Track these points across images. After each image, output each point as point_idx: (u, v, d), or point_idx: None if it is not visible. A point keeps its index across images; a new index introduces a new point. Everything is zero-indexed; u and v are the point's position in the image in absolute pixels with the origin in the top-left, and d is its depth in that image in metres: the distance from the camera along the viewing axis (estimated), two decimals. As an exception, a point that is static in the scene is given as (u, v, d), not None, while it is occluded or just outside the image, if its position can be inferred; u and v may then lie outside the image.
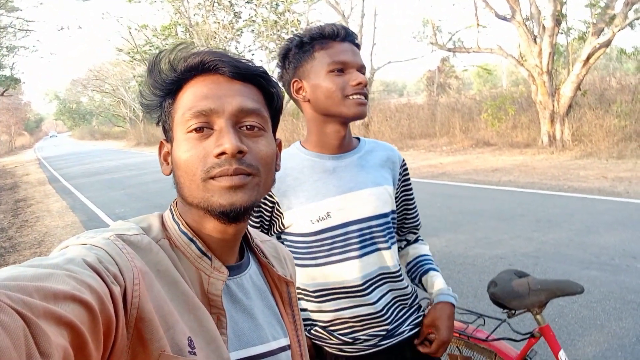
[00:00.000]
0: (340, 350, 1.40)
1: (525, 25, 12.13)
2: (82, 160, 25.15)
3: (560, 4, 11.71)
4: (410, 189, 1.52)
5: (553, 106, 12.01)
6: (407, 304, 1.45)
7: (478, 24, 13.48)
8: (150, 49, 26.08)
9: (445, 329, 1.41)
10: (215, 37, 22.10)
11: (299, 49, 1.34)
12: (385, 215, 1.38)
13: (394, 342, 1.41)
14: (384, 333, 1.39)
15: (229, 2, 22.28)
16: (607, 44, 11.30)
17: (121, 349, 0.58)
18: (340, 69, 1.30)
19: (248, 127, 0.75)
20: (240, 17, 23.26)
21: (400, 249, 1.59)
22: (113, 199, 11.01)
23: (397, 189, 1.46)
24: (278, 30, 21.94)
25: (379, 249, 1.37)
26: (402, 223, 1.55)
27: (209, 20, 22.31)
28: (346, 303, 1.36)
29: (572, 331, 3.22)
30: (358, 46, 1.36)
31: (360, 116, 1.31)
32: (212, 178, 0.71)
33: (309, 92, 1.33)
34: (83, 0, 28.87)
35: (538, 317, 1.66)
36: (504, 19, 12.46)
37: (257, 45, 24.01)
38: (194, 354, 0.65)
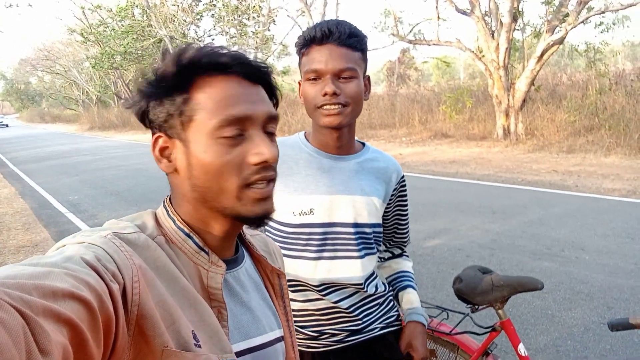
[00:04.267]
0: (307, 346, 1.41)
1: (484, 20, 12.41)
2: (32, 144, 24.15)
3: (517, 1, 12.03)
4: (405, 206, 1.51)
5: (508, 100, 12.38)
6: (378, 303, 1.46)
7: (438, 17, 13.70)
8: (105, 30, 25.21)
9: (422, 347, 1.46)
10: (174, 21, 21.56)
11: (298, 50, 1.35)
12: (366, 225, 1.37)
13: (363, 338, 1.42)
14: (353, 329, 1.40)
15: (189, -16, 21.77)
16: (561, 41, 11.71)
17: (123, 346, 0.59)
18: (314, 77, 1.28)
19: (269, 132, 0.76)
20: (201, 1, 22.78)
21: (383, 259, 1.60)
22: (66, 185, 10.64)
23: (390, 204, 1.46)
24: (239, 16, 21.61)
25: (350, 257, 1.36)
26: (391, 237, 1.56)
27: (167, 2, 21.71)
28: (312, 295, 1.38)
29: (525, 321, 3.37)
30: (350, 44, 1.27)
31: (330, 126, 1.30)
32: (248, 186, 0.73)
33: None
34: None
35: (500, 311, 1.73)
36: (464, 13, 12.70)
37: (217, 30, 23.60)
38: (199, 346, 0.67)
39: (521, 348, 1.71)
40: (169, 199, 0.80)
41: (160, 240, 0.74)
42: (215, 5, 22.07)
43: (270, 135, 0.77)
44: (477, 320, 1.86)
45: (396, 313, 1.50)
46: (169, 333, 0.65)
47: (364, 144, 1.46)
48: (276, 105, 0.82)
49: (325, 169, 1.36)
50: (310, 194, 1.34)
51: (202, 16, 23.07)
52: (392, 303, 1.50)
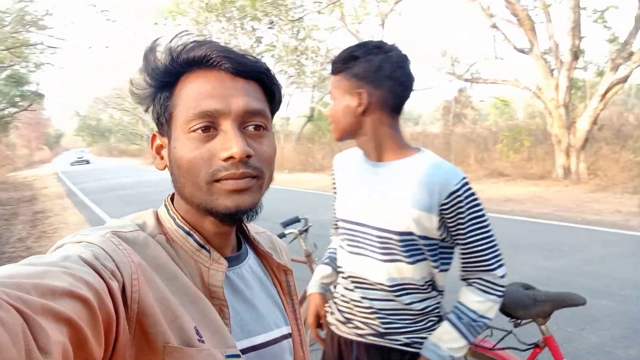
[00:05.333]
0: (337, 328, 1.53)
1: (543, 58, 12.26)
2: (100, 176, 25.52)
3: (578, 39, 11.85)
4: (465, 228, 1.36)
5: (569, 139, 12.04)
6: (412, 319, 1.43)
7: (496, 56, 13.66)
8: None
9: None
10: (236, 61, 22.59)
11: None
12: (392, 232, 1.39)
13: (383, 344, 1.45)
14: (375, 330, 1.45)
15: (252, 27, 22.85)
16: (625, 79, 11.37)
17: (124, 344, 0.59)
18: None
19: (253, 127, 0.73)
20: (262, 42, 23.81)
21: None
22: (129, 214, 11.15)
23: (448, 221, 1.37)
24: (298, 56, 22.39)
25: (373, 258, 1.42)
26: (461, 258, 1.44)
27: (230, 43, 22.83)
28: (349, 284, 1.50)
29: (580, 356, 3.25)
30: (339, 71, 1.43)
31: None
32: (217, 181, 0.70)
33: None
34: (113, 21, 29.67)
35: (542, 327, 1.73)
36: (522, 51, 12.61)
37: (277, 69, 24.47)
38: (202, 342, 0.66)
39: (564, 365, 1.70)
40: (171, 197, 0.80)
41: (161, 239, 0.73)
42: (275, 47, 22.99)
43: (256, 131, 0.73)
44: (521, 338, 1.85)
45: (429, 335, 1.43)
46: (171, 329, 0.64)
47: (420, 150, 1.44)
48: (277, 102, 0.80)
49: (363, 173, 1.47)
50: (348, 194, 1.50)
51: (262, 56, 24.03)
52: (431, 324, 1.45)
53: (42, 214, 12.40)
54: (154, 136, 0.79)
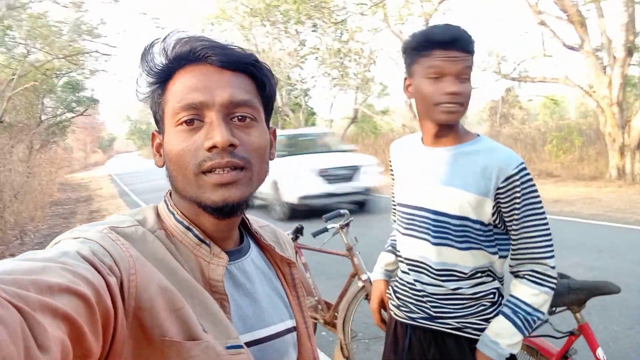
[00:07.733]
0: (394, 313, 1.59)
1: (595, 55, 11.87)
2: (149, 177, 26.32)
3: (632, 34, 11.40)
4: (520, 213, 1.36)
5: (623, 139, 11.60)
6: (463, 303, 1.43)
7: (545, 54, 13.31)
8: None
9: None
10: (280, 64, 22.93)
11: (413, 50, 1.41)
12: (448, 215, 1.40)
13: (435, 327, 1.46)
14: (426, 313, 1.47)
15: (295, 30, 23.12)
16: (682, 76, 10.88)
17: (122, 339, 0.59)
18: (436, 76, 1.35)
19: (239, 117, 0.73)
20: (305, 45, 24.05)
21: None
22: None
23: (502, 205, 1.38)
24: (341, 58, 22.48)
25: (426, 240, 1.44)
26: (513, 246, 1.43)
27: (275, 47, 23.20)
28: (405, 267, 1.54)
29: (626, 355, 3.19)
30: (470, 51, 1.37)
31: (448, 122, 1.39)
32: (204, 172, 0.70)
33: (414, 91, 1.43)
34: (162, 28, 30.72)
35: (577, 315, 1.75)
36: (572, 48, 12.25)
37: (320, 72, 24.66)
38: (206, 332, 0.67)
39: (600, 353, 1.71)
40: (170, 193, 0.80)
41: (160, 235, 0.73)
42: (319, 49, 23.17)
43: (243, 120, 0.73)
44: (557, 327, 1.87)
45: (485, 323, 1.42)
46: (175, 320, 0.64)
47: (478, 136, 1.46)
48: (268, 93, 0.79)
49: (421, 158, 1.49)
50: (406, 178, 1.53)
51: (306, 59, 24.27)
52: (482, 309, 1.43)
53: (98, 213, 12.98)
54: (153, 135, 0.80)
